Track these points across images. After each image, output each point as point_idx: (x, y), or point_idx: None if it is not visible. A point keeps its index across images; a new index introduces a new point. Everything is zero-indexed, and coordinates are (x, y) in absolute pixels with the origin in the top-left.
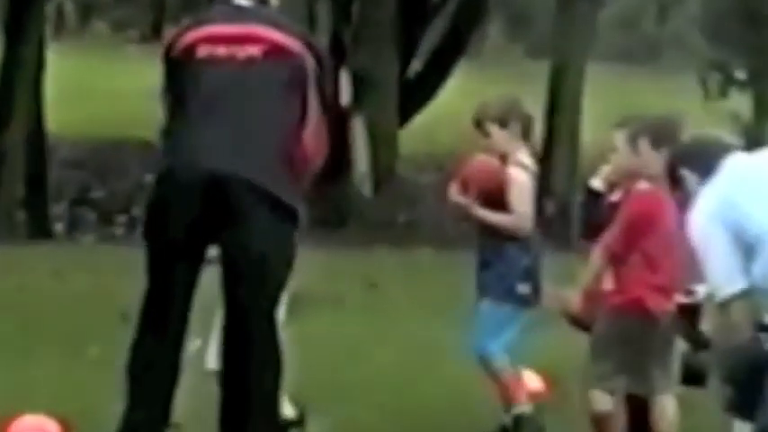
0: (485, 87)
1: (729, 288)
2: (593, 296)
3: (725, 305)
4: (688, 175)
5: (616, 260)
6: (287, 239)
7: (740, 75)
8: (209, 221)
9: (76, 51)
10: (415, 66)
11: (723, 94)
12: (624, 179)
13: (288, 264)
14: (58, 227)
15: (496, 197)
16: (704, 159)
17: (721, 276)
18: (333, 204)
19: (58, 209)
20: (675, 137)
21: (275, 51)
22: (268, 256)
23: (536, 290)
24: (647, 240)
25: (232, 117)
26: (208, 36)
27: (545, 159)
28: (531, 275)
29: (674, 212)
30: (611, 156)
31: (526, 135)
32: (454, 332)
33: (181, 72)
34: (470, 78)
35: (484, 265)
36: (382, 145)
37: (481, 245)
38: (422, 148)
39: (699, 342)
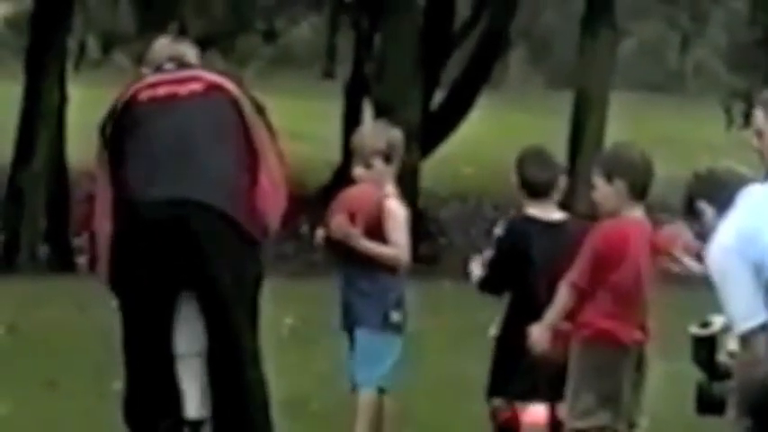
0: (507, 118)
1: (750, 322)
2: (561, 332)
3: (746, 339)
4: (706, 208)
5: (583, 294)
6: (255, 266)
7: None
8: (178, 257)
9: (97, 84)
10: (438, 97)
11: (747, 122)
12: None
13: (257, 285)
14: (81, 260)
15: (377, 228)
16: (721, 191)
17: (742, 310)
18: None
19: (80, 242)
20: (628, 166)
21: (214, 87)
22: (236, 287)
23: (404, 317)
24: (615, 273)
25: (183, 151)
26: (147, 84)
27: (569, 191)
28: (402, 304)
29: (642, 241)
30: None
31: (397, 168)
32: (475, 364)
33: (122, 122)
34: (492, 109)
35: (357, 294)
36: (404, 177)
37: (350, 274)
38: (444, 179)
39: (716, 372)
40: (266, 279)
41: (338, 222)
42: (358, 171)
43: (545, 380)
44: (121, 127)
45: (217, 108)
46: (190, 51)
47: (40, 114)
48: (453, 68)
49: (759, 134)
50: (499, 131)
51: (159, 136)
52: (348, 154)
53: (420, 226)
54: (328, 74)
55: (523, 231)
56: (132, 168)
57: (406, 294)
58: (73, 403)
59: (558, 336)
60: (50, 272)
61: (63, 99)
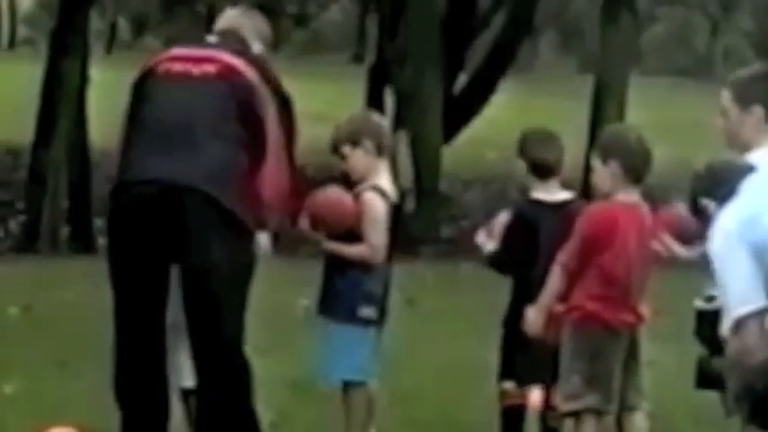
0: (533, 102)
1: (746, 307)
2: (554, 315)
3: (739, 325)
4: (709, 204)
5: (572, 276)
6: (242, 254)
7: None
8: (165, 234)
9: (128, 66)
10: (461, 81)
11: None
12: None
13: (244, 280)
14: (102, 241)
15: (355, 223)
16: (721, 186)
17: (738, 294)
18: None
19: (101, 223)
20: (624, 147)
21: (229, 71)
22: (223, 278)
23: (383, 312)
24: (602, 256)
25: (185, 131)
26: (168, 57)
27: (587, 173)
28: (376, 298)
29: (633, 225)
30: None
31: (381, 151)
32: (490, 347)
33: (139, 91)
34: (519, 93)
35: (329, 287)
36: (426, 161)
37: (326, 264)
38: (468, 163)
39: (717, 347)
40: (283, 260)
41: (301, 227)
42: (342, 166)
43: (540, 363)
44: (137, 96)
45: (226, 93)
46: (248, 23)
47: (62, 96)
48: (479, 52)
49: (724, 114)
50: (525, 116)
51: (163, 114)
52: None
53: (442, 209)
54: (358, 57)
55: (532, 217)
56: (130, 144)
57: (389, 286)
58: (82, 383)
59: (552, 318)
60: (71, 253)
61: (84, 80)
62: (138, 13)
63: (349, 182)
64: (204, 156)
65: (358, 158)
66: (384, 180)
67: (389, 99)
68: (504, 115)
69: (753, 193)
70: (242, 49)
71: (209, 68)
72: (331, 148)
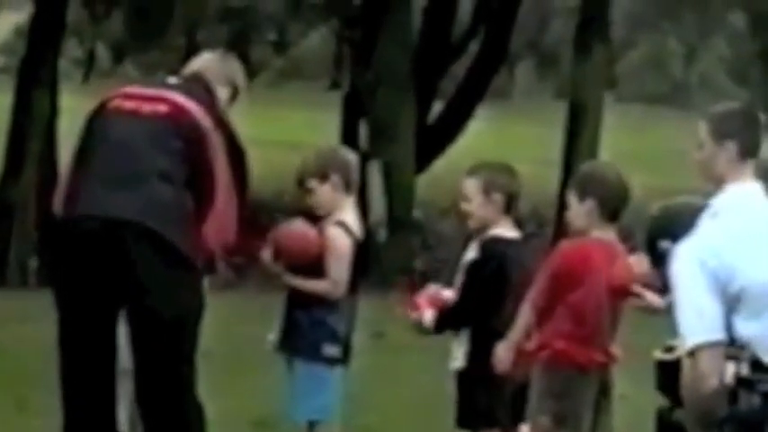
0: (510, 129)
1: (700, 336)
2: (523, 352)
3: (694, 353)
4: (668, 247)
5: (542, 314)
6: (189, 293)
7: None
8: (110, 273)
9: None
10: (436, 109)
11: None
12: (480, 229)
13: (192, 319)
14: None
15: (311, 264)
16: (680, 227)
17: (694, 324)
18: None
19: None
20: (601, 186)
21: (179, 112)
22: (167, 315)
23: (347, 351)
24: (573, 293)
25: (131, 169)
26: (120, 94)
27: (561, 201)
28: (340, 336)
29: (606, 263)
30: (463, 205)
31: (349, 187)
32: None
33: (89, 125)
34: (495, 120)
35: (292, 323)
36: (399, 190)
37: (288, 300)
38: (444, 191)
39: (678, 398)
40: (252, 294)
41: (263, 259)
42: (307, 200)
43: (508, 401)
44: (87, 130)
45: (174, 133)
46: (217, 68)
47: (31, 127)
48: (454, 80)
49: (699, 146)
50: (502, 142)
51: (109, 150)
52: None
53: (416, 239)
54: (336, 85)
55: (503, 253)
56: (75, 178)
57: (354, 323)
58: (41, 421)
59: (521, 355)
60: (40, 286)
61: (54, 111)
62: (117, 40)
63: (313, 216)
64: (148, 193)
65: (325, 193)
66: (350, 216)
67: (363, 131)
68: (481, 142)
69: (718, 227)
70: (199, 93)
71: (160, 108)
72: (297, 182)
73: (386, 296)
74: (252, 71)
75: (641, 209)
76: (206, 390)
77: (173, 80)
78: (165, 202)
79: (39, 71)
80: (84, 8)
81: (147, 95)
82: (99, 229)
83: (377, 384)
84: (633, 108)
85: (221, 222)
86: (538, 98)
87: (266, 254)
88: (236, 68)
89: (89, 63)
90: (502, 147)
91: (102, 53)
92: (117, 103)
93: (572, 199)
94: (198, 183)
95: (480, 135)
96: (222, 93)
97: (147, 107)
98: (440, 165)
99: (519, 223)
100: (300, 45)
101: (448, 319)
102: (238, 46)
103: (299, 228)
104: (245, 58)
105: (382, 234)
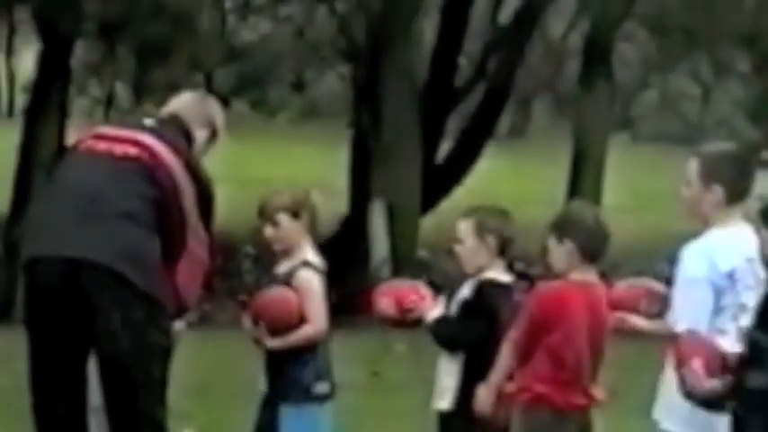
0: (523, 169)
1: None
2: (504, 394)
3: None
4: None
5: (522, 356)
6: (156, 332)
7: (766, 155)
8: (75, 314)
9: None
10: (444, 148)
11: None
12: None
13: (159, 358)
14: None
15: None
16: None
17: (689, 314)
18: (350, 291)
19: None
20: (579, 227)
21: (149, 155)
22: (132, 359)
23: (332, 385)
24: (551, 336)
25: (98, 209)
26: (93, 134)
27: None
28: (326, 372)
29: (586, 305)
30: (456, 247)
31: (313, 227)
32: None
33: (62, 164)
34: (509, 159)
35: (279, 376)
36: (403, 229)
37: (270, 358)
38: (451, 233)
39: None
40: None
41: (244, 326)
42: (267, 231)
43: None
44: (59, 169)
45: (143, 176)
46: (195, 109)
47: (36, 168)
48: (464, 118)
49: (688, 184)
50: (514, 182)
51: (77, 189)
52: (354, 204)
53: (420, 279)
54: (353, 123)
55: (497, 299)
56: (41, 214)
57: (330, 357)
58: None
59: (502, 397)
60: None
61: (61, 151)
62: (137, 79)
63: (265, 248)
64: (115, 234)
65: (293, 230)
66: (310, 254)
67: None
68: (491, 182)
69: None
70: (172, 136)
71: (131, 150)
72: (258, 212)
73: (384, 335)
74: (271, 111)
75: (653, 248)
76: (204, 426)
77: (148, 121)
78: (129, 243)
79: (46, 110)
80: (97, 48)
81: (120, 137)
82: (62, 272)
83: (372, 423)
84: (649, 148)
85: (192, 267)
86: (555, 137)
87: (246, 320)
88: (215, 109)
89: (108, 101)
90: (513, 186)
91: (122, 92)
92: (90, 143)
93: (551, 242)
94: (166, 226)
95: (492, 174)
96: (200, 134)
97: (118, 149)
98: (447, 203)
99: (510, 266)
100: (319, 84)
101: (449, 327)
102: (255, 86)
103: (278, 293)
104: (262, 99)
105: (385, 272)
